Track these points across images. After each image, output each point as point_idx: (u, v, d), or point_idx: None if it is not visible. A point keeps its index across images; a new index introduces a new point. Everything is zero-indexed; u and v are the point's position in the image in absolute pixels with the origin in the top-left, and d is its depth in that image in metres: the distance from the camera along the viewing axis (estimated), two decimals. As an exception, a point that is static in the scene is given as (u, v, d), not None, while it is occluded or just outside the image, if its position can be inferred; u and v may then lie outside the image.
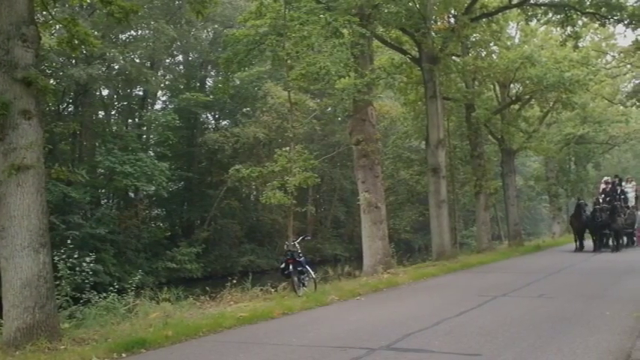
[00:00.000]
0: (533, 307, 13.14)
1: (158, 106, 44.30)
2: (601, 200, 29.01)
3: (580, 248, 28.96)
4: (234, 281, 16.24)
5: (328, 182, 47.73)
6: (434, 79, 25.54)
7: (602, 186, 30.63)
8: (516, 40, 36.56)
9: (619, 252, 27.37)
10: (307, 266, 16.03)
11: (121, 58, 33.41)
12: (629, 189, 31.10)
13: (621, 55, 42.33)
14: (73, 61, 31.74)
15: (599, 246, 28.51)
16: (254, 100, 41.47)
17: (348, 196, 47.44)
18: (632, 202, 30.65)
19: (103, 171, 35.59)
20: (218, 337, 10.83)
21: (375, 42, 25.19)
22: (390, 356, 8.84)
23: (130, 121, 41.07)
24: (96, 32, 28.58)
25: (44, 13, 12.71)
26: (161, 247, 36.58)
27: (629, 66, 43.28)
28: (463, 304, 13.23)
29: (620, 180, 31.20)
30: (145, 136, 40.19)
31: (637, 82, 43.62)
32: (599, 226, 28.09)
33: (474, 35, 30.39)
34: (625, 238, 30.03)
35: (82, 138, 36.90)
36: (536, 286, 16.85)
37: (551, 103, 35.33)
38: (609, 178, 31.64)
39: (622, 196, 29.37)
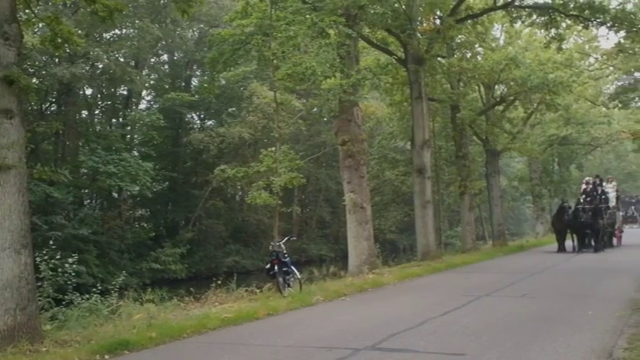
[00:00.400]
0: (516, 306, 13.21)
1: (142, 105, 44.16)
2: (582, 200, 28.99)
3: (562, 249, 29.03)
4: (219, 282, 16.20)
5: (314, 183, 47.71)
6: (419, 80, 25.60)
7: (583, 186, 30.48)
8: (501, 42, 36.71)
9: (600, 252, 27.40)
10: (292, 267, 16.00)
11: (105, 57, 33.18)
12: (610, 189, 31.11)
13: (604, 57, 42.66)
14: (56, 60, 31.50)
15: (581, 246, 28.61)
16: (240, 100, 41.36)
17: (334, 196, 47.39)
18: (612, 202, 30.61)
19: (86, 171, 35.33)
20: (202, 338, 10.78)
21: (361, 43, 25.20)
22: (375, 356, 8.83)
23: (113, 120, 40.85)
24: (80, 31, 28.41)
25: (27, 11, 12.60)
26: (145, 248, 36.38)
27: (611, 68, 43.61)
28: (448, 304, 13.26)
29: (601, 180, 31.16)
30: (129, 136, 39.96)
31: (619, 84, 43.91)
32: (581, 227, 28.14)
33: (460, 37, 30.45)
34: (606, 239, 29.96)
35: (65, 138, 36.61)
36: (519, 285, 16.92)
37: (535, 105, 35.53)
38: (590, 178, 31.65)
39: (603, 197, 29.26)
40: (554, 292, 15.38)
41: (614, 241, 31.72)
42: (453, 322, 11.30)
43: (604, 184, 31.01)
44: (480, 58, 32.73)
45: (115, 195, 38.23)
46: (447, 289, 16.85)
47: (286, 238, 17.21)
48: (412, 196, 27.93)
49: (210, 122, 45.93)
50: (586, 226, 28.01)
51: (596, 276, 18.86)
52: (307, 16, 18.81)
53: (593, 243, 28.46)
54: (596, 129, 46.32)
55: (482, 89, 35.25)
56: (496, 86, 34.56)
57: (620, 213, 34.27)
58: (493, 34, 35.79)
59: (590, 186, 29.59)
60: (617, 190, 32.44)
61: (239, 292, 15.85)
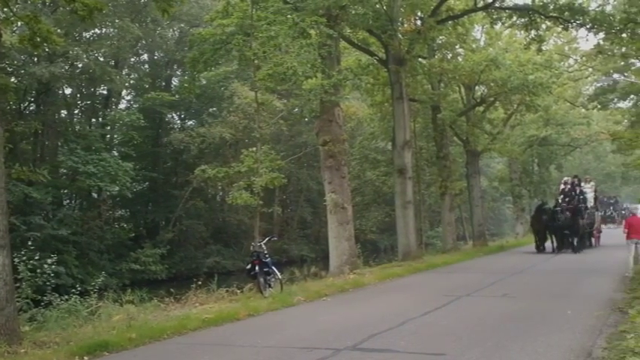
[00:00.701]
0: (497, 306, 13.30)
1: (122, 105, 43.77)
2: (560, 201, 29.13)
3: (540, 249, 29.06)
4: (200, 283, 16.14)
5: (295, 183, 47.63)
6: (400, 81, 25.65)
7: (562, 186, 30.74)
8: (481, 43, 36.85)
9: (579, 253, 27.47)
10: (273, 267, 16.00)
11: (84, 56, 32.90)
12: (588, 189, 31.19)
13: (583, 58, 43.02)
14: (35, 59, 31.21)
15: (560, 247, 28.68)
16: (220, 100, 41.20)
17: (315, 196, 47.41)
18: (590, 203, 30.72)
19: (65, 171, 35.00)
20: (183, 339, 10.73)
21: (342, 43, 25.24)
22: (356, 356, 8.84)
23: (93, 120, 40.48)
24: (59, 30, 28.13)
25: (5, 9, 12.46)
26: (125, 249, 36.13)
27: (590, 69, 43.95)
28: (428, 304, 13.31)
29: (580, 180, 31.26)
30: (108, 136, 39.67)
31: (598, 85, 44.22)
32: (560, 227, 28.18)
33: (440, 38, 30.59)
34: (584, 239, 30.03)
35: (44, 137, 36.26)
36: (499, 286, 17.02)
37: (515, 106, 35.73)
38: (568, 178, 31.79)
39: (581, 197, 29.34)
40: (534, 292, 15.50)
41: (593, 241, 31.80)
42: (433, 322, 11.34)
43: (582, 184, 31.03)
44: (460, 59, 32.88)
45: (95, 195, 37.90)
46: (428, 289, 16.91)
47: (267, 239, 17.20)
48: (393, 197, 28.02)
49: (190, 122, 45.73)
50: (565, 227, 28.03)
51: (576, 276, 19.01)
52: (288, 16, 18.81)
53: (572, 243, 28.42)
54: (575, 130, 46.70)
55: (462, 90, 35.41)
56: (476, 87, 34.74)
57: (599, 213, 34.43)
58: (473, 35, 35.93)
59: (569, 186, 29.77)
60: (595, 191, 32.57)
61: (220, 293, 15.80)
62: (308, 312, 13.38)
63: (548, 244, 29.27)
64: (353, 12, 22.85)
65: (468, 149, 35.46)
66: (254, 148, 19.14)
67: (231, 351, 9.62)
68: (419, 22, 27.88)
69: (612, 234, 37.23)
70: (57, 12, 30.73)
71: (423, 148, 36.36)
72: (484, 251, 31.15)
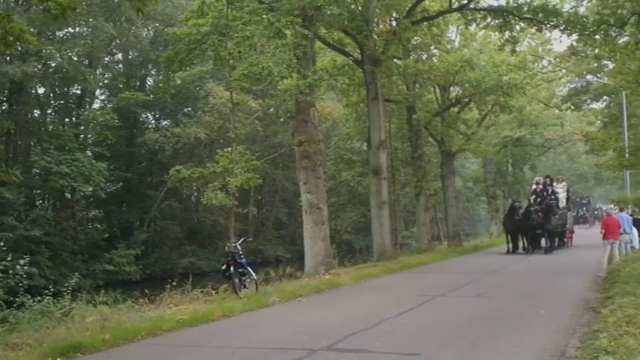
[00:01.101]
0: (471, 306, 13.36)
1: (96, 105, 43.49)
2: (532, 201, 29.10)
3: (513, 250, 29.00)
4: (174, 283, 16.05)
5: (270, 183, 47.56)
6: (376, 81, 25.70)
7: (534, 186, 30.76)
8: (456, 44, 37.05)
9: (552, 253, 27.50)
10: (248, 267, 15.96)
11: (57, 55, 32.60)
12: (560, 189, 31.20)
13: (557, 59, 43.37)
14: (8, 58, 30.90)
15: (532, 247, 28.61)
16: (195, 100, 41.05)
17: (290, 197, 47.41)
18: (562, 203, 30.66)
19: (38, 171, 34.69)
20: (157, 340, 10.67)
21: (318, 43, 25.24)
22: (331, 357, 8.84)
23: (66, 120, 40.11)
24: (32, 29, 27.83)
25: (-24, 8, 12.32)
26: (99, 249, 35.86)
27: (564, 70, 44.35)
28: (403, 305, 13.35)
29: (552, 180, 31.35)
30: (82, 136, 39.30)
31: (572, 86, 44.66)
32: (532, 227, 28.04)
33: (415, 38, 30.67)
34: (556, 239, 29.94)
35: (17, 137, 35.90)
36: (474, 285, 17.12)
37: (490, 106, 35.98)
38: (540, 178, 31.83)
39: (552, 197, 29.26)
40: (508, 292, 15.60)
41: (566, 241, 31.78)
42: (408, 322, 11.37)
43: (554, 184, 31.13)
44: (435, 60, 33.00)
45: (68, 195, 37.60)
46: (403, 289, 16.96)
47: (242, 239, 17.15)
48: (368, 197, 28.03)
49: (165, 122, 45.52)
50: (537, 227, 27.94)
51: (549, 276, 19.18)
52: (264, 16, 18.79)
53: (544, 244, 28.49)
54: (549, 130, 47.23)
55: (437, 91, 35.58)
56: (451, 88, 34.91)
57: (571, 213, 34.61)
58: (448, 36, 36.12)
59: (540, 186, 29.83)
60: (567, 191, 32.57)
61: (194, 294, 15.73)
62: (283, 312, 13.36)
63: (520, 245, 29.29)
64: (328, 12, 22.87)
65: (443, 150, 35.63)
66: (229, 149, 19.10)
67: (206, 352, 9.58)
68: (394, 23, 27.93)
69: (585, 234, 37.64)
70: (30, 10, 30.45)
71: (398, 148, 36.44)
72: (459, 251, 31.27)
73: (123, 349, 10.01)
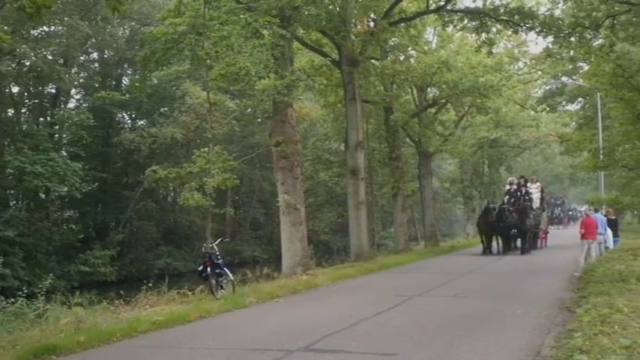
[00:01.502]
0: (448, 306, 13.41)
1: (72, 104, 43.07)
2: (505, 201, 28.99)
3: (487, 251, 28.75)
4: (151, 284, 15.96)
5: (247, 184, 47.50)
6: (353, 82, 25.75)
7: (507, 187, 30.76)
8: (433, 45, 37.25)
9: (527, 254, 27.41)
10: (225, 268, 15.90)
11: (32, 54, 32.30)
12: (534, 190, 31.19)
13: (532, 61, 43.73)
14: (-19, 57, 30.55)
15: (506, 248, 28.50)
16: (172, 99, 40.84)
17: (268, 197, 47.31)
18: (536, 203, 30.57)
19: (12, 171, 34.28)
20: (133, 341, 10.59)
21: (296, 44, 25.23)
22: (308, 357, 8.83)
23: (41, 119, 39.73)
24: (6, 27, 27.53)
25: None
26: (74, 250, 35.55)
27: (539, 72, 44.76)
28: (381, 305, 13.36)
29: (526, 181, 31.28)
30: (57, 136, 38.99)
31: (547, 88, 45.06)
32: (507, 228, 27.90)
33: (393, 39, 30.75)
34: (531, 240, 29.50)
35: (-10, 136, 35.52)
36: (451, 286, 17.18)
37: (466, 107, 36.18)
38: (514, 178, 31.80)
39: (526, 197, 29.12)
40: (484, 292, 15.68)
41: (540, 242, 31.62)
42: (385, 323, 11.38)
43: (528, 184, 31.01)
44: (412, 61, 33.11)
45: (43, 196, 37.25)
46: (380, 289, 16.98)
47: (219, 240, 17.10)
48: (346, 198, 28.08)
49: (141, 122, 45.22)
50: (512, 228, 27.85)
51: (525, 276, 19.29)
52: (241, 16, 18.74)
53: (519, 245, 28.42)
54: (524, 132, 47.61)
55: (415, 92, 35.72)
56: (428, 89, 35.07)
57: (545, 214, 34.74)
58: (426, 38, 36.30)
59: (514, 187, 29.80)
60: (541, 191, 32.54)
61: (171, 295, 15.64)
62: (260, 313, 13.31)
63: (495, 246, 29.23)
64: (306, 13, 22.85)
65: (420, 150, 35.76)
66: (206, 149, 19.01)
67: (182, 353, 9.51)
68: (372, 24, 28.01)
69: (560, 235, 37.96)
70: (4, 9, 30.06)
71: (376, 149, 36.53)
72: (436, 251, 31.41)
73: (98, 351, 9.92)
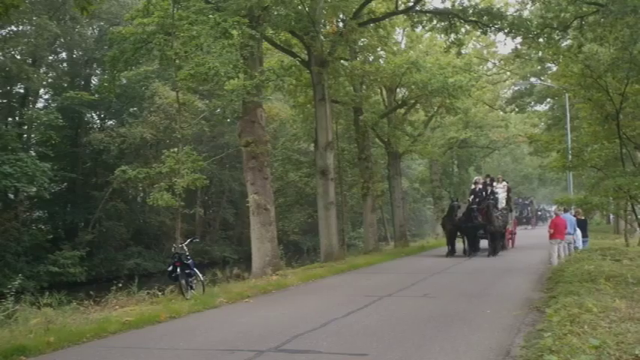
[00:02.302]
0: (417, 306, 13.51)
1: (40, 104, 42.65)
2: (470, 200, 28.63)
3: (451, 252, 28.02)
4: (120, 285, 15.91)
5: (217, 184, 47.38)
6: (323, 83, 25.82)
7: (473, 186, 30.53)
8: (402, 46, 37.41)
9: (496, 255, 27.04)
10: (195, 269, 15.90)
11: (0, 54, 31.92)
12: (500, 189, 31.05)
13: (501, 62, 44.16)
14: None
15: (473, 249, 27.87)
16: (141, 99, 40.58)
17: (237, 197, 47.28)
18: (502, 203, 30.36)
19: (-21, 171, 33.87)
20: (103, 342, 10.56)
21: (265, 44, 25.24)
22: (279, 358, 8.88)
23: (9, 119, 39.26)
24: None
25: None
26: (43, 251, 35.21)
27: (508, 73, 45.23)
28: (351, 305, 13.44)
29: (492, 180, 31.14)
30: (25, 136, 38.60)
31: (516, 88, 45.48)
32: (473, 229, 27.38)
33: (362, 40, 30.84)
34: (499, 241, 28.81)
35: (-43, 137, 35.01)
36: (420, 286, 17.31)
37: (436, 108, 36.34)
38: (480, 178, 31.85)
39: (492, 197, 28.83)
40: (454, 292, 15.80)
41: (508, 242, 31.18)
42: (355, 323, 11.46)
43: (494, 184, 30.83)
44: (382, 62, 33.20)
45: (11, 196, 36.83)
46: (350, 289, 17.07)
47: (189, 240, 17.08)
48: (316, 198, 28.10)
49: (110, 122, 44.91)
50: (479, 228, 27.42)
51: (494, 276, 19.47)
52: (210, 16, 18.70)
53: (487, 245, 27.90)
54: (493, 132, 48.08)
55: (384, 92, 35.85)
56: (398, 89, 35.18)
57: (513, 214, 34.83)
58: (395, 38, 36.40)
59: (480, 186, 29.56)
60: (508, 191, 32.28)
61: (140, 295, 15.58)
62: (230, 313, 13.32)
63: (459, 246, 28.56)
64: (275, 13, 22.90)
65: (390, 151, 35.87)
66: (175, 149, 18.93)
67: (152, 354, 9.51)
68: (341, 24, 28.10)
69: (528, 235, 38.38)
70: (-30, 7, 29.68)
71: (345, 149, 36.60)
72: (405, 252, 31.45)
73: (68, 352, 9.88)
